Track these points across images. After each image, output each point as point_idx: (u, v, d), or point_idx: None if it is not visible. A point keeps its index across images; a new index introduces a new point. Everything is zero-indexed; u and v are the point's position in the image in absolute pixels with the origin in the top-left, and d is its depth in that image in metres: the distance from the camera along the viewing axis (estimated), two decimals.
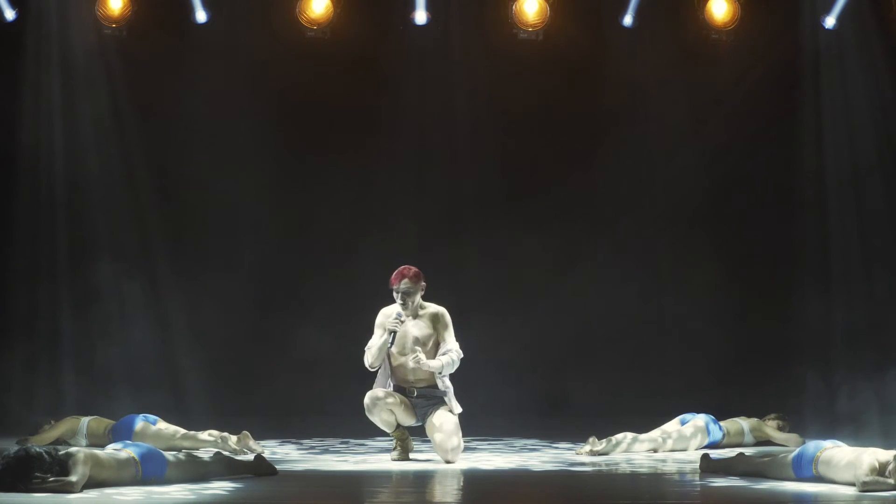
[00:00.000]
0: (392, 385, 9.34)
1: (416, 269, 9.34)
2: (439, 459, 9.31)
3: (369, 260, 12.76)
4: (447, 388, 9.32)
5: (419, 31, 12.47)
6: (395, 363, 9.34)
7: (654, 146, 13.05)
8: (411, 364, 9.22)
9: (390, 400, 9.24)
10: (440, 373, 9.22)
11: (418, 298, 9.31)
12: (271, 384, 12.56)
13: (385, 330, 9.21)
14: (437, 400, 9.32)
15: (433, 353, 9.30)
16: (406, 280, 9.26)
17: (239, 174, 12.77)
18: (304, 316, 12.72)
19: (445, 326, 9.33)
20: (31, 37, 12.28)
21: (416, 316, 9.32)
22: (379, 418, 9.25)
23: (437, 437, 9.21)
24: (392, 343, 9.19)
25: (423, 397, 9.31)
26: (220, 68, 12.61)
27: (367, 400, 9.24)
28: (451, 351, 9.26)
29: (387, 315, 9.30)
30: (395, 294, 9.30)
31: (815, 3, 12.51)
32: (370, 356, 9.27)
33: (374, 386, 9.36)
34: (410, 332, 9.29)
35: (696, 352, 12.82)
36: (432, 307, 9.38)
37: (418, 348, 9.22)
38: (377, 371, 9.37)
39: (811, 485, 7.94)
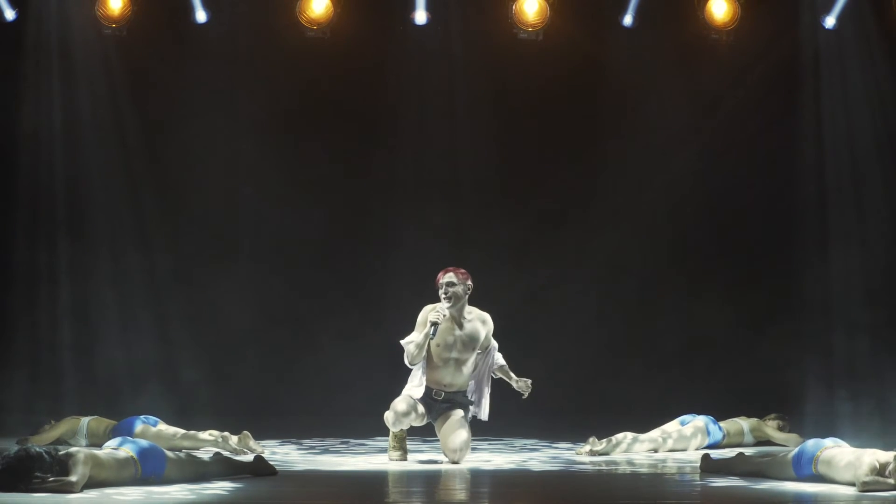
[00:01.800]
0: (424, 384, 9.24)
1: (465, 270, 9.25)
2: (440, 459, 9.31)
3: (369, 259, 12.79)
4: (482, 395, 9.32)
5: (419, 31, 12.47)
6: (434, 363, 9.21)
7: (654, 146, 13.06)
8: (525, 394, 9.24)
9: (414, 418, 9.14)
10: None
11: (463, 297, 9.19)
12: (271, 384, 12.56)
13: (429, 322, 9.05)
14: (459, 404, 9.29)
15: (473, 362, 9.26)
16: (451, 274, 9.17)
17: (238, 173, 12.77)
18: (304, 315, 12.74)
19: (490, 331, 9.29)
20: (31, 37, 12.28)
21: (462, 320, 9.21)
22: (396, 428, 9.21)
23: (446, 436, 9.17)
24: (433, 335, 9.07)
25: (448, 401, 9.27)
26: (220, 68, 12.62)
27: (391, 416, 9.12)
28: (499, 358, 9.34)
29: (431, 311, 9.18)
30: (439, 290, 9.17)
31: (815, 3, 12.51)
32: (411, 352, 9.11)
33: (409, 382, 9.27)
34: (458, 338, 9.20)
35: (695, 351, 12.82)
36: (478, 312, 9.29)
37: (528, 380, 9.22)
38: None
39: (811, 485, 7.94)
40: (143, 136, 12.63)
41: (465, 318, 9.23)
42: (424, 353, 9.15)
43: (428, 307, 9.23)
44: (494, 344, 9.36)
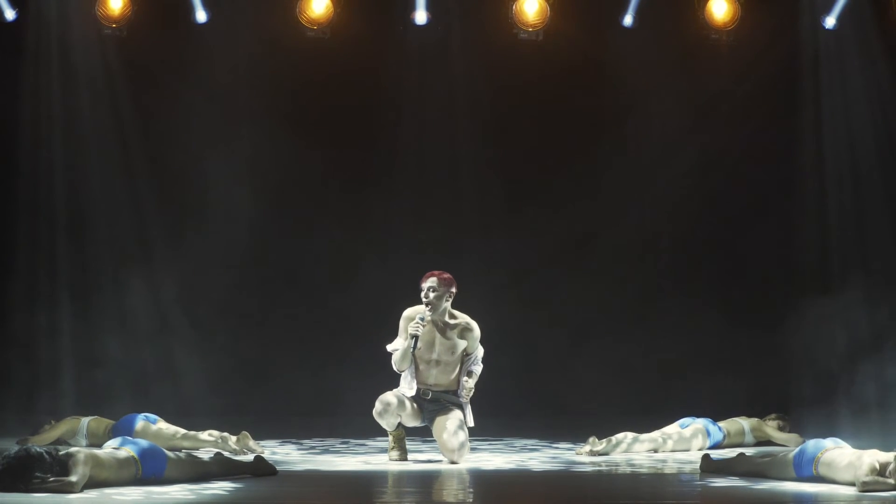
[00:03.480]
0: (415, 385, 9.28)
1: (449, 274, 9.25)
2: (439, 459, 9.31)
3: (368, 259, 12.79)
4: (465, 402, 9.32)
5: (419, 31, 12.47)
6: (417, 364, 9.26)
7: (654, 146, 13.06)
8: (464, 399, 9.21)
9: (399, 407, 9.19)
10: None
11: (445, 303, 9.19)
12: (271, 384, 12.56)
13: (409, 334, 9.13)
14: (449, 404, 9.30)
15: (459, 363, 9.28)
16: (434, 278, 9.17)
17: (238, 173, 12.76)
18: (304, 315, 12.74)
19: (474, 340, 9.27)
20: (31, 37, 12.28)
21: (445, 324, 9.23)
22: (386, 422, 9.23)
23: (442, 437, 9.18)
24: (415, 347, 9.13)
25: (436, 401, 9.29)
26: (221, 68, 12.62)
27: (377, 406, 9.17)
28: (476, 365, 9.27)
29: (409, 318, 9.19)
30: (421, 293, 9.21)
31: (815, 3, 12.51)
32: (396, 361, 9.22)
33: (401, 383, 9.30)
34: (439, 341, 9.22)
35: (696, 351, 12.82)
36: (464, 319, 9.28)
37: (469, 383, 9.19)
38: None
39: (811, 485, 7.94)
40: (143, 136, 12.63)
41: (447, 322, 9.24)
42: (410, 360, 9.19)
43: (408, 311, 9.26)
44: (481, 351, 9.35)
